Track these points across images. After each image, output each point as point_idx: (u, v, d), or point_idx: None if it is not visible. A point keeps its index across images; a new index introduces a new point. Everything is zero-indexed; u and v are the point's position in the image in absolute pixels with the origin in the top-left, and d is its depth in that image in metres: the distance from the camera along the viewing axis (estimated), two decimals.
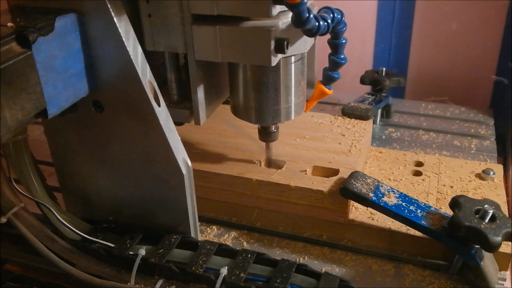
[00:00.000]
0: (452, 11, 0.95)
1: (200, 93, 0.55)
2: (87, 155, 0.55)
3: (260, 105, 0.57)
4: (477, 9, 0.94)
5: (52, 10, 0.44)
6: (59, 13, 0.44)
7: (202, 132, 0.71)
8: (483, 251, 0.52)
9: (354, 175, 0.59)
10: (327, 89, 0.58)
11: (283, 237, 0.61)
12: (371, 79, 0.85)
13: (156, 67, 0.57)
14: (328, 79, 0.57)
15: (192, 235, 0.55)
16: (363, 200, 0.57)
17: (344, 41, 0.53)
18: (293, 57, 0.54)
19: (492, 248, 0.49)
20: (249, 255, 0.51)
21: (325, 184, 0.59)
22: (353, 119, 0.74)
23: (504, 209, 0.60)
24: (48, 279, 0.56)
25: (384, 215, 0.57)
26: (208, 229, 0.63)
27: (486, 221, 0.50)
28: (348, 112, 0.75)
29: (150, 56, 0.53)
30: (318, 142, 0.68)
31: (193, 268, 0.50)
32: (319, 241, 0.60)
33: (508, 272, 0.55)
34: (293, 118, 0.59)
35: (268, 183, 0.60)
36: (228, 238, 0.61)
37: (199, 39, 0.51)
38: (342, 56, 0.54)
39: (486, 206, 0.52)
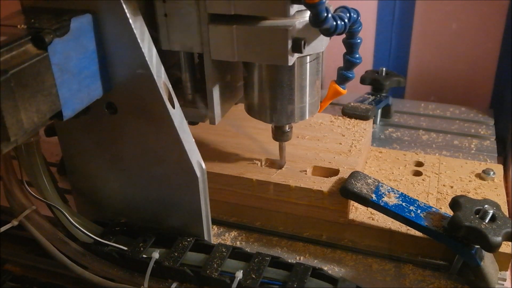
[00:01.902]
0: (452, 11, 0.95)
1: (216, 92, 0.55)
2: (99, 157, 0.54)
3: (274, 104, 0.56)
4: (477, 9, 0.94)
5: (66, 11, 0.44)
6: (74, 14, 0.43)
7: (202, 132, 0.71)
8: (483, 251, 0.52)
9: (354, 175, 0.59)
10: (341, 89, 0.58)
11: (283, 237, 0.61)
12: (371, 79, 0.85)
13: (169, 66, 0.57)
14: (343, 79, 0.57)
15: (206, 238, 0.55)
16: (363, 200, 0.56)
17: (359, 40, 0.53)
18: (308, 57, 0.54)
19: (492, 248, 0.49)
20: (265, 259, 0.51)
21: (325, 184, 0.59)
22: (353, 119, 0.74)
23: (504, 209, 0.60)
24: (48, 279, 0.56)
25: (384, 215, 0.57)
26: None
27: (486, 221, 0.50)
28: (348, 112, 0.75)
29: (163, 56, 0.53)
30: (318, 142, 0.68)
31: (208, 271, 0.49)
32: (319, 241, 0.60)
33: (508, 272, 0.55)
34: (307, 117, 0.59)
35: (268, 183, 0.60)
36: (228, 238, 0.61)
37: (215, 39, 0.51)
38: (357, 55, 0.54)
39: (486, 206, 0.52)
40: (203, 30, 0.51)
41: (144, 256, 0.52)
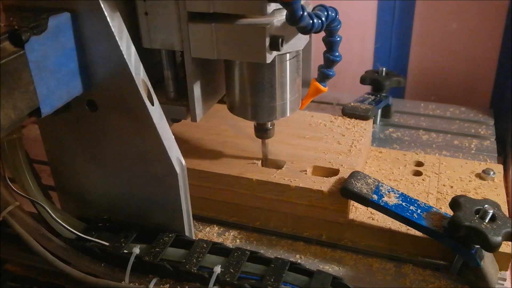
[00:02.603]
0: (452, 11, 0.95)
1: (197, 90, 0.56)
2: (82, 154, 0.55)
3: (255, 102, 0.57)
4: (477, 9, 0.94)
5: (45, 10, 0.45)
6: (53, 12, 0.44)
7: (202, 132, 0.71)
8: (483, 251, 0.52)
9: (354, 175, 0.59)
10: (322, 87, 0.59)
11: (283, 237, 0.61)
12: (371, 79, 0.85)
13: (153, 64, 0.58)
14: (323, 77, 0.58)
15: (187, 233, 0.55)
16: (363, 200, 0.56)
17: (338, 39, 0.54)
18: (288, 55, 0.55)
19: (492, 248, 0.49)
20: (244, 253, 0.51)
21: (325, 184, 0.59)
22: (353, 119, 0.74)
23: (504, 209, 0.60)
24: (48, 279, 0.56)
25: (384, 215, 0.57)
26: (208, 228, 0.63)
27: (486, 221, 0.50)
28: (348, 112, 0.75)
29: (147, 54, 0.54)
30: (318, 142, 0.68)
31: (187, 266, 0.50)
32: (319, 241, 0.60)
33: (508, 272, 0.55)
34: (288, 115, 0.59)
35: (268, 183, 0.60)
36: (228, 238, 0.61)
37: (195, 37, 0.52)
38: (337, 53, 0.55)
39: (486, 206, 0.52)
40: (183, 28, 0.52)
41: (125, 251, 0.52)
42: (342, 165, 0.63)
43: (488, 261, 0.53)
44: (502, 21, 0.93)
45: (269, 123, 0.61)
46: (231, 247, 0.53)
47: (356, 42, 1.03)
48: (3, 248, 0.58)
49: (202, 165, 0.63)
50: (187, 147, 0.68)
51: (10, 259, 0.59)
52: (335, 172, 0.62)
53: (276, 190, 0.60)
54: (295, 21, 0.47)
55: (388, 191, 0.57)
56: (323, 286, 0.48)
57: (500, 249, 0.51)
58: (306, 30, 0.48)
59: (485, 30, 0.95)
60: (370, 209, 0.60)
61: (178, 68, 0.59)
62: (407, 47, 1.02)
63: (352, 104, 0.77)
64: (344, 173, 0.61)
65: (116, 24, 0.46)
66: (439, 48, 1.00)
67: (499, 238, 0.49)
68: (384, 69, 0.86)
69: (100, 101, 0.50)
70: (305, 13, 0.47)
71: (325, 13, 0.50)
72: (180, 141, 0.69)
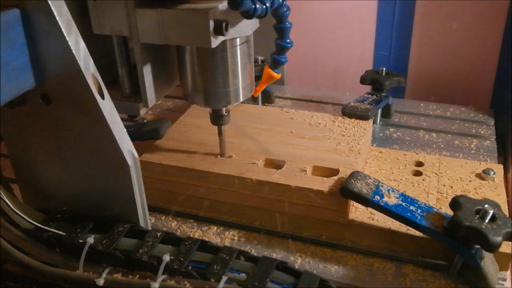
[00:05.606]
0: (452, 11, 0.96)
1: (147, 75, 0.57)
2: (39, 147, 0.56)
3: (207, 88, 0.58)
4: (477, 9, 0.94)
5: None
6: (2, 9, 0.45)
7: (203, 132, 0.71)
8: (483, 251, 0.52)
9: (354, 175, 0.59)
10: (275, 73, 0.60)
11: (283, 237, 0.61)
12: (371, 79, 0.85)
13: (109, 63, 0.60)
14: (275, 63, 0.59)
15: (142, 224, 0.56)
16: (363, 200, 0.56)
17: (289, 25, 0.54)
18: (238, 40, 0.56)
19: (493, 248, 0.49)
20: (193, 243, 0.52)
21: (325, 184, 0.59)
22: (353, 119, 0.74)
23: (505, 209, 0.60)
24: (48, 279, 0.56)
25: (384, 215, 0.57)
26: (208, 228, 0.63)
27: (487, 221, 0.50)
28: (348, 112, 0.75)
29: (103, 52, 0.56)
30: (318, 142, 0.68)
31: (137, 255, 0.50)
32: (319, 241, 0.60)
33: (508, 272, 0.55)
34: (241, 100, 0.60)
35: (268, 183, 0.60)
36: (227, 238, 0.61)
37: (142, 22, 0.53)
38: (288, 40, 0.56)
39: (486, 206, 0.52)
40: (130, 14, 0.53)
41: (80, 241, 0.53)
42: (342, 165, 0.63)
43: (488, 261, 0.53)
44: (502, 21, 0.93)
45: (224, 109, 0.62)
46: (183, 236, 0.53)
47: (356, 42, 1.04)
48: (3, 248, 0.58)
49: (203, 165, 0.63)
50: (188, 147, 0.68)
51: (10, 259, 0.59)
52: (335, 172, 0.62)
53: (276, 190, 0.60)
54: (235, 5, 0.47)
55: (388, 191, 0.57)
56: (267, 269, 0.48)
57: (500, 249, 0.51)
58: (248, 15, 0.49)
59: (485, 30, 0.95)
60: (370, 209, 0.60)
61: (133, 67, 0.60)
62: (407, 47, 1.02)
63: (352, 104, 0.77)
64: (344, 173, 0.61)
65: (64, 20, 0.47)
66: (439, 48, 1.00)
67: (499, 238, 0.49)
68: (384, 69, 0.86)
69: (53, 95, 0.51)
70: None
71: None
72: (181, 141, 0.69)
